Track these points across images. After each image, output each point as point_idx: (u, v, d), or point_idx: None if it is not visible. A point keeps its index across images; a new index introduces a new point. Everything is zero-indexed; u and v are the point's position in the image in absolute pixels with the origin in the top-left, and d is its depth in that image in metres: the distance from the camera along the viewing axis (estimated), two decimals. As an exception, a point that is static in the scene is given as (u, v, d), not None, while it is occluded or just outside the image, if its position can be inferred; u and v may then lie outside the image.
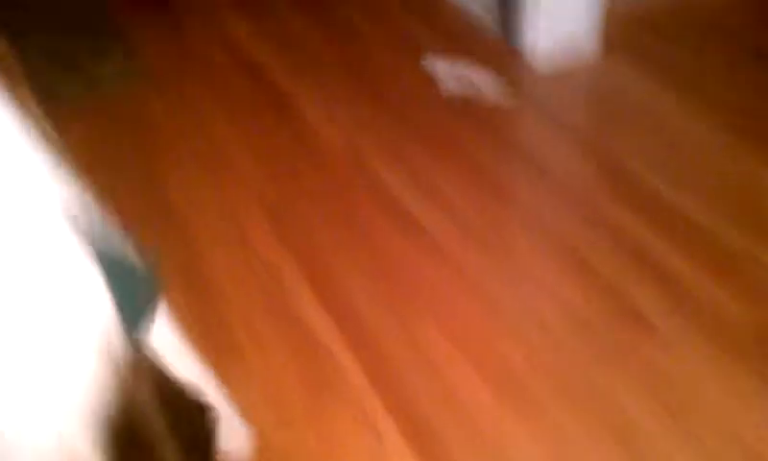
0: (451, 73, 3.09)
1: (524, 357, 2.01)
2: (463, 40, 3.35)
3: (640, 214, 2.40)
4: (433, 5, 3.63)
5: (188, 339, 1.46)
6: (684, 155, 2.64)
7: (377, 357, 2.02)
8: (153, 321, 1.31)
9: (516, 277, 2.27)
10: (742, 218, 2.36)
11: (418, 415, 1.89)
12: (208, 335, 2.05)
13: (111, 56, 3.24)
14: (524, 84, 3.08)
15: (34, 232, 1.03)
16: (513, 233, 2.43)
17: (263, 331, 2.09)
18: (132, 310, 1.19)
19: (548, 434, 1.84)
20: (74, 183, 1.17)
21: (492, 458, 1.80)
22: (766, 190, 2.47)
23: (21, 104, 1.14)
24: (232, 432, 1.71)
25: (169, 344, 1.41)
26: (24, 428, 1.02)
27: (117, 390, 1.10)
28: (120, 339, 1.12)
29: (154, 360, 1.32)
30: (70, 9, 3.51)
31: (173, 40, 3.46)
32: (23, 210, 1.03)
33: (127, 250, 1.22)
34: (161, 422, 1.24)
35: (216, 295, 2.21)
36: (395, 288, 2.22)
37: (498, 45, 3.29)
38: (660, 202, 2.45)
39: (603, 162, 2.65)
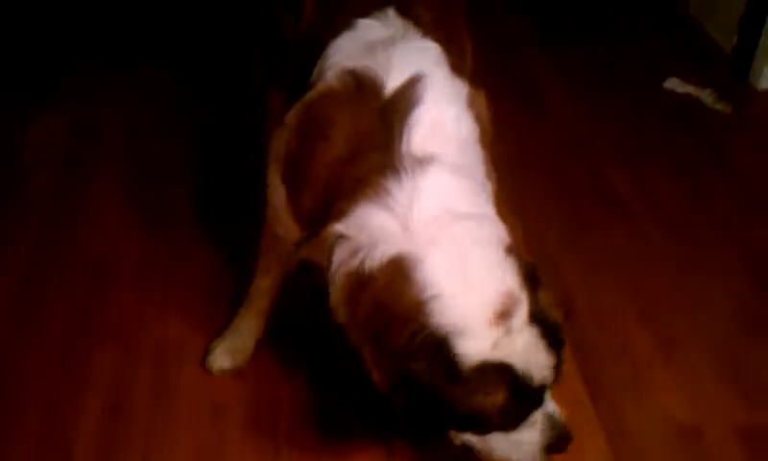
0: (679, 81, 3.44)
1: (687, 324, 2.39)
2: (698, 55, 3.67)
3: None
4: (680, 25, 3.93)
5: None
6: None
7: (564, 292, 2.45)
8: None
9: (700, 266, 2.61)
10: None
11: (586, 341, 2.31)
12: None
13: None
14: (745, 103, 3.38)
15: None
16: (705, 232, 2.75)
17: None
18: None
19: (686, 378, 2.23)
20: None
21: (639, 386, 2.20)
22: None
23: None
24: None
25: None
26: None
27: None
28: None
29: None
30: None
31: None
32: None
33: None
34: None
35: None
36: (592, 249, 2.63)
37: (729, 67, 3.60)
38: None
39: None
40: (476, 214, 1.56)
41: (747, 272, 2.57)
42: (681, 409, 2.14)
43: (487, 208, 1.62)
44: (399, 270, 1.48)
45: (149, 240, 2.57)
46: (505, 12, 3.99)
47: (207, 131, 3.04)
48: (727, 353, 2.30)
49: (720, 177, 2.99)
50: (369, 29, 1.79)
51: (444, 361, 1.43)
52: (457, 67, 1.81)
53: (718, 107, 3.31)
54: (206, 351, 2.21)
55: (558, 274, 2.50)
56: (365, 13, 1.81)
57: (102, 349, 2.23)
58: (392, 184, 1.53)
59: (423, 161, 1.56)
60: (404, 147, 1.57)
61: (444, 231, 1.50)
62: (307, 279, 1.95)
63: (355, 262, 1.51)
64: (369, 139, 1.59)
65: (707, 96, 3.35)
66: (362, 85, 1.65)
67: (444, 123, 1.64)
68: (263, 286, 2.15)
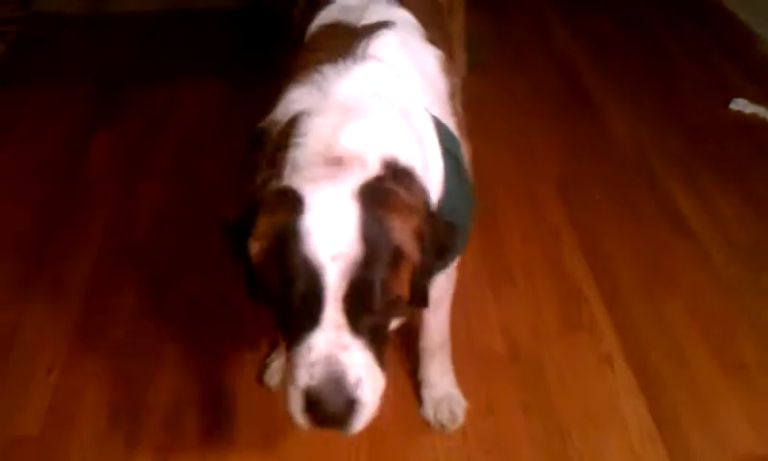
0: (746, 102, 3.36)
1: (756, 351, 2.31)
2: (765, 75, 3.57)
3: None
4: (743, 44, 3.84)
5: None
6: None
7: (624, 313, 2.41)
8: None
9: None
10: None
11: (649, 362, 2.26)
12: (489, 264, 2.57)
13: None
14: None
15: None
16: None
17: (535, 272, 2.55)
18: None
19: (755, 408, 2.15)
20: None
21: (703, 411, 2.14)
22: None
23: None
24: None
25: None
26: None
27: None
28: None
29: None
30: None
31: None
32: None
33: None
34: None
35: (503, 240, 2.68)
36: (653, 269, 2.58)
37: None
38: None
39: None
40: (399, 101, 1.59)
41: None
42: (749, 440, 2.07)
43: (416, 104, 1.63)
44: (293, 121, 1.55)
45: (205, 260, 2.57)
46: (558, 32, 3.99)
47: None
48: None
49: (789, 200, 2.91)
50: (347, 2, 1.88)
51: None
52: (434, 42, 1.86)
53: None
54: (263, 367, 2.21)
55: (623, 296, 2.47)
56: None
57: (161, 368, 2.25)
58: (327, 68, 1.60)
59: (368, 58, 1.63)
60: (358, 51, 1.65)
61: (359, 102, 1.54)
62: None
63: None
64: (334, 51, 1.66)
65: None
66: (336, 28, 1.77)
67: (405, 45, 1.73)
68: None
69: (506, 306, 2.42)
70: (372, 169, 1.43)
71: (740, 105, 3.35)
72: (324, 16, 1.87)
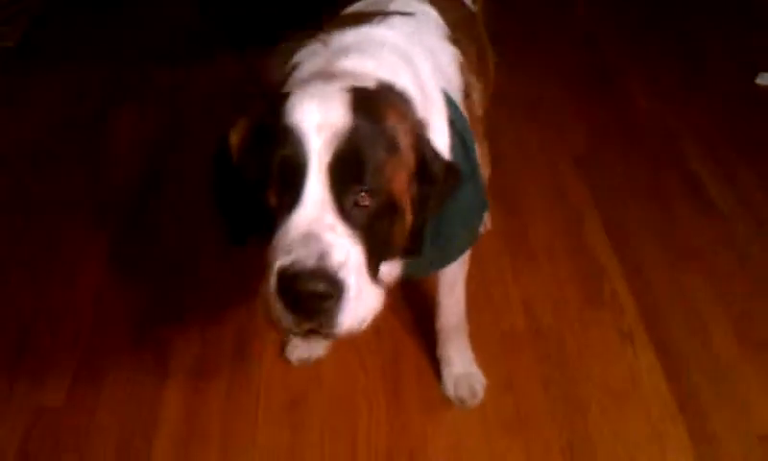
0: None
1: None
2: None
3: None
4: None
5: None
6: None
7: (646, 289, 2.40)
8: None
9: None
10: None
11: (671, 340, 2.24)
12: (511, 241, 2.56)
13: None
14: None
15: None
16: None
17: (557, 248, 2.54)
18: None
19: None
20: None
21: (724, 390, 2.12)
22: None
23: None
24: None
25: None
26: None
27: None
28: None
29: None
30: None
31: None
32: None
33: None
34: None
35: (525, 217, 2.66)
36: (676, 245, 2.56)
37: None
38: None
39: None
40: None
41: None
42: (770, 417, 2.07)
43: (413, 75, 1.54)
44: (293, 67, 1.57)
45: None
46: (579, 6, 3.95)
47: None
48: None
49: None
50: None
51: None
52: (457, 43, 1.83)
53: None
54: (285, 342, 2.22)
55: (645, 272, 2.45)
56: None
57: (184, 336, 2.27)
58: (335, 31, 1.61)
59: (378, 24, 1.64)
60: (373, 23, 1.65)
61: (361, 44, 1.55)
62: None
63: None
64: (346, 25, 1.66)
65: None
66: (358, 14, 1.77)
67: (419, 33, 1.70)
68: None
69: (527, 283, 2.42)
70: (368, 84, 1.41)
71: (766, 79, 3.30)
72: (352, 7, 1.89)
